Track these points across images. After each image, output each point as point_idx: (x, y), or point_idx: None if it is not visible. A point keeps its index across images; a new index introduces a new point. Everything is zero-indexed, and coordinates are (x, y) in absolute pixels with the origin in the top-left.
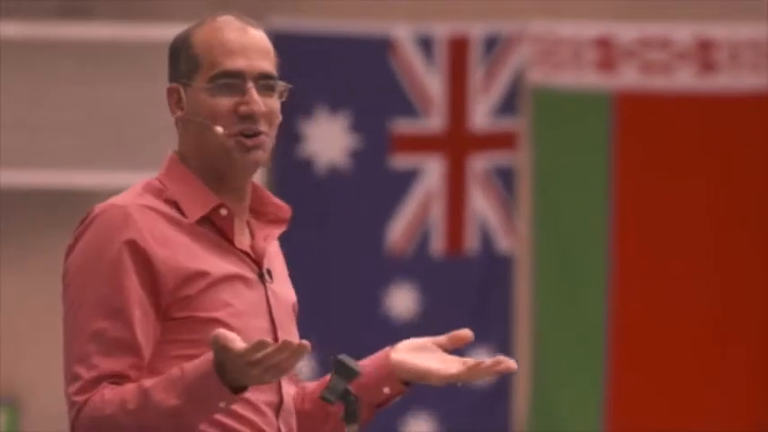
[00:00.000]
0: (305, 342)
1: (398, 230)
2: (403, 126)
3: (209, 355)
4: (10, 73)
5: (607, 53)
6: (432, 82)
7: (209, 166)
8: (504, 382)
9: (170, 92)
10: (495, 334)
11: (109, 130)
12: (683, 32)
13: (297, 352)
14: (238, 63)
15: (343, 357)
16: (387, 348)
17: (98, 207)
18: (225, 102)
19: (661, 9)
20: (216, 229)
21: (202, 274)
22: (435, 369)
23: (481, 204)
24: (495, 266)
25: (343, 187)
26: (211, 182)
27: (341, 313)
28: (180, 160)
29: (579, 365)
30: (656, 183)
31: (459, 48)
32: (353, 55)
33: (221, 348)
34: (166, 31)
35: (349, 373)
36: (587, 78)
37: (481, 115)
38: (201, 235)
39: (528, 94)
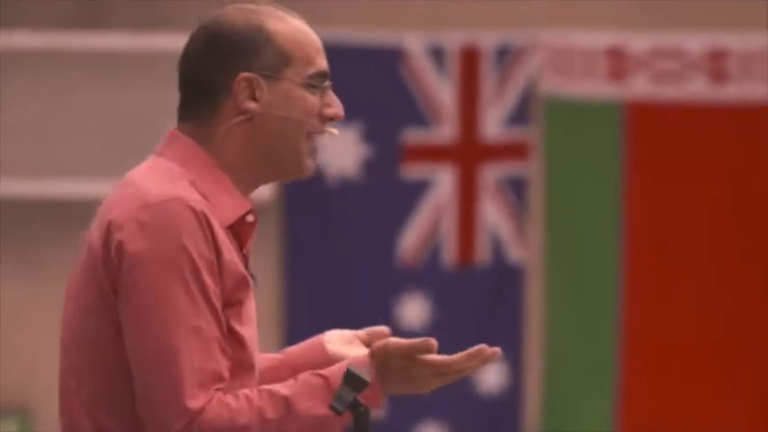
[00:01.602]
0: (497, 349)
1: (410, 241)
2: (414, 136)
3: (362, 361)
4: (23, 82)
5: (619, 63)
6: (443, 92)
7: (257, 167)
8: (515, 390)
9: (244, 81)
10: (507, 344)
11: (122, 139)
12: (695, 42)
13: (487, 359)
14: (326, 64)
15: (353, 367)
16: (318, 337)
17: (161, 199)
18: (316, 102)
19: (673, 19)
20: (234, 233)
21: (246, 280)
22: None
23: (493, 214)
24: (506, 277)
25: (354, 197)
26: (244, 184)
27: (352, 323)
28: (208, 155)
29: (590, 375)
30: (668, 192)
31: (470, 57)
32: (365, 65)
33: (416, 356)
34: (180, 40)
35: (358, 384)
36: (599, 88)
37: (493, 125)
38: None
39: (540, 103)
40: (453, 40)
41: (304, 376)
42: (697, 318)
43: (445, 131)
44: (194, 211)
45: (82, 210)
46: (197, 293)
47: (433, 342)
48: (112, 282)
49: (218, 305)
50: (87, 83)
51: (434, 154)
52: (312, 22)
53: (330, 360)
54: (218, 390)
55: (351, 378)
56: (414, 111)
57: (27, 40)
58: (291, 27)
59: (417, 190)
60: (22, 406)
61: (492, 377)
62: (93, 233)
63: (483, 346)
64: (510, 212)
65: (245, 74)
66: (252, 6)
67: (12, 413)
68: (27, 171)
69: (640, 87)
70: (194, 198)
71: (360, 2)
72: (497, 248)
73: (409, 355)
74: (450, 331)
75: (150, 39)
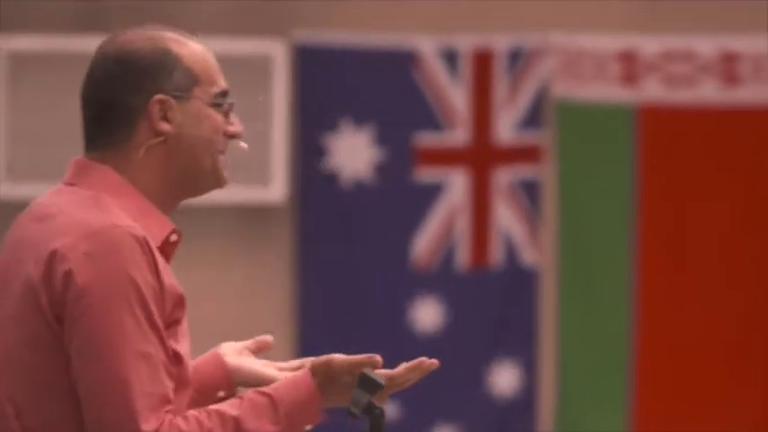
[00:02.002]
0: (435, 361)
1: (423, 244)
2: (427, 139)
3: (303, 379)
4: (28, 85)
5: (630, 66)
6: (456, 95)
7: (175, 186)
8: (529, 393)
9: (158, 103)
10: (520, 347)
11: None
12: (707, 45)
13: (426, 371)
14: (224, 83)
15: (367, 371)
16: (214, 350)
17: (102, 227)
18: (221, 120)
19: (684, 22)
20: (162, 253)
21: (182, 300)
22: (271, 375)
23: (506, 218)
24: (519, 280)
25: (367, 201)
26: (163, 204)
27: (366, 327)
28: (125, 180)
29: (604, 378)
30: (681, 196)
31: (483, 61)
32: (377, 68)
33: (363, 371)
34: None
35: (373, 387)
36: (611, 91)
37: (505, 128)
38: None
39: (552, 107)
40: (466, 44)
41: (249, 395)
42: (710, 320)
43: (458, 135)
44: (137, 237)
45: None
46: (143, 320)
47: (378, 358)
48: (57, 312)
49: (162, 329)
50: None
51: (447, 157)
52: (324, 25)
53: (230, 373)
54: (167, 411)
55: (365, 381)
56: (426, 114)
57: (31, 43)
58: (194, 49)
59: (430, 193)
60: None
61: (505, 380)
62: (26, 266)
63: (423, 359)
64: (523, 215)
65: (159, 96)
66: (152, 31)
67: None
68: (31, 174)
69: (652, 91)
70: (132, 224)
71: (372, 5)
72: (511, 251)
73: (352, 371)
74: (463, 334)
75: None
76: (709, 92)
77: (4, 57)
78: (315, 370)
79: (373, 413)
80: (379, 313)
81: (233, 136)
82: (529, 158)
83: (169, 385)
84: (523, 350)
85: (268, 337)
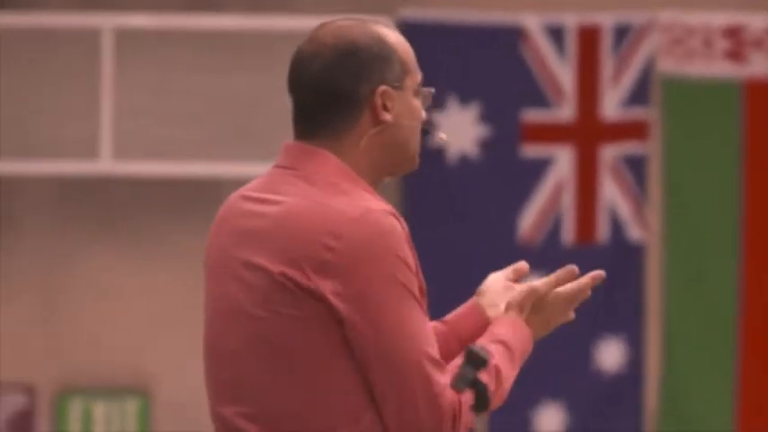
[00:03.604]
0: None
1: (529, 220)
2: (534, 116)
3: (516, 321)
4: (140, 63)
5: (737, 42)
6: (562, 72)
7: (384, 171)
8: (634, 371)
9: (382, 94)
10: (626, 323)
11: (233, 120)
12: None
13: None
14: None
15: (473, 346)
16: (473, 301)
17: (363, 213)
18: (420, 108)
19: None
20: None
21: (422, 287)
22: None
23: (612, 194)
24: (625, 255)
25: (474, 177)
26: (373, 187)
27: None
28: (346, 165)
29: (710, 354)
30: None
31: (589, 38)
32: (484, 45)
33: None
34: (294, 22)
35: (479, 362)
36: (717, 67)
37: (611, 105)
38: None
39: (658, 83)
40: (572, 21)
41: (485, 339)
42: None
43: (564, 111)
44: (397, 218)
45: (190, 190)
46: (413, 293)
47: (574, 268)
48: (321, 292)
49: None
50: (202, 64)
51: (554, 134)
52: (430, 2)
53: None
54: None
55: (471, 356)
56: (533, 91)
57: (144, 21)
58: (401, 39)
59: (537, 169)
60: (142, 387)
61: (612, 356)
62: (260, 258)
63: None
64: (629, 192)
65: (383, 87)
66: (361, 20)
67: (132, 394)
68: (137, 151)
69: (759, 66)
70: (384, 206)
71: None
72: (616, 227)
73: (556, 288)
74: None
75: (265, 20)
76: None
77: (110, 34)
78: (510, 305)
79: (478, 388)
80: None
81: (426, 122)
82: (635, 135)
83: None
84: (629, 326)
85: (524, 264)
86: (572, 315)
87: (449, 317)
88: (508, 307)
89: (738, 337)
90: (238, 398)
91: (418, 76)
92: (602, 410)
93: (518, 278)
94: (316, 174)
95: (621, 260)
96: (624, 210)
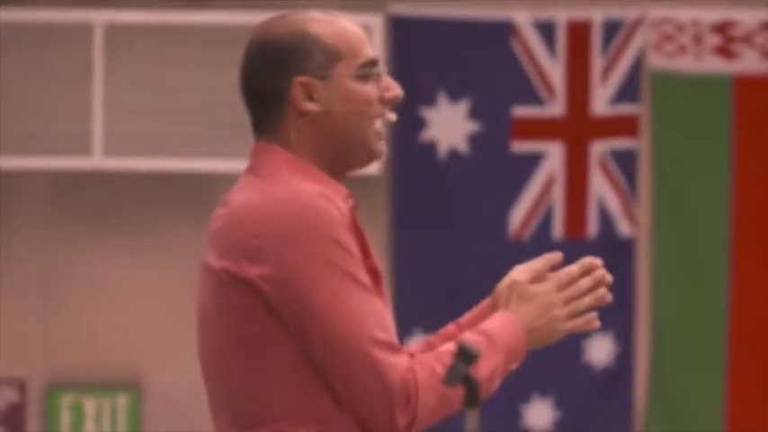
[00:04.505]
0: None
1: (519, 215)
2: (524, 111)
3: (501, 315)
4: (133, 59)
5: (726, 38)
6: (552, 68)
7: (332, 163)
8: (624, 366)
9: (300, 85)
10: (615, 318)
11: (225, 116)
12: None
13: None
14: (373, 52)
15: (465, 342)
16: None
17: (299, 195)
18: (373, 89)
19: None
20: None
21: (376, 271)
22: None
23: (602, 189)
24: (615, 251)
25: (464, 172)
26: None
27: (461, 297)
28: (296, 156)
29: (699, 349)
30: None
31: (579, 34)
32: (474, 41)
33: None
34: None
35: (470, 357)
36: (707, 63)
37: (602, 100)
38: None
39: (648, 79)
40: (562, 16)
41: (469, 334)
42: None
43: (554, 107)
44: (330, 200)
45: (188, 185)
46: (359, 273)
47: (556, 255)
48: (259, 281)
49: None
50: (194, 60)
51: (543, 129)
52: None
53: None
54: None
55: (463, 352)
56: (523, 86)
57: (135, 17)
58: (334, 26)
59: (527, 165)
60: (133, 382)
61: (601, 350)
62: (210, 257)
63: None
64: (618, 187)
65: (300, 78)
66: (288, 13)
67: (123, 389)
68: (128, 147)
69: (748, 62)
70: (323, 190)
71: None
72: (606, 222)
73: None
74: None
75: (257, 15)
76: None
77: (102, 30)
78: (496, 299)
79: (470, 384)
80: (476, 283)
81: (390, 100)
82: (625, 130)
83: (390, 333)
84: (619, 321)
85: (557, 254)
86: (596, 323)
87: (464, 317)
88: (494, 303)
89: (728, 331)
90: (220, 405)
91: (359, 58)
92: (592, 405)
93: (549, 268)
94: (264, 168)
95: (611, 255)
96: (614, 205)
